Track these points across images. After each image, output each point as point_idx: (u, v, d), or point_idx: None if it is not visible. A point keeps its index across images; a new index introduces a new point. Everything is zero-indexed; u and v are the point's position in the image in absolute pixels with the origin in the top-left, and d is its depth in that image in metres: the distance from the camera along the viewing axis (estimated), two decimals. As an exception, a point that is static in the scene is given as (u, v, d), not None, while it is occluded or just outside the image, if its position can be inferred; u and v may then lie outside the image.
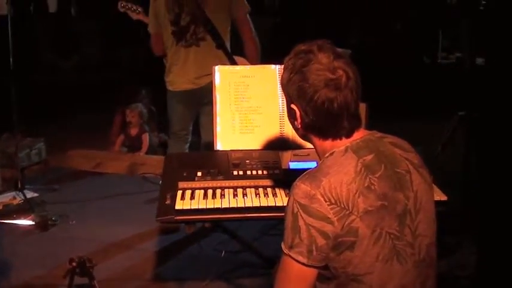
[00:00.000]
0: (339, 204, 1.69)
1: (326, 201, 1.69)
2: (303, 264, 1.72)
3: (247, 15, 4.32)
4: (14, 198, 5.16)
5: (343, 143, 1.84)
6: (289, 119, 1.96)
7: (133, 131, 6.53)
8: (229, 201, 2.51)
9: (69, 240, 4.45)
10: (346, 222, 1.69)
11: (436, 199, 2.02)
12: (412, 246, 1.79)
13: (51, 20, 11.34)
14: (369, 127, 2.77)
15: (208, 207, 2.49)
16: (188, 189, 2.60)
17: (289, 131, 2.87)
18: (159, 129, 6.69)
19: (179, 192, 2.58)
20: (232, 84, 2.99)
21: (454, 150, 4.85)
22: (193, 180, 2.65)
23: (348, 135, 1.84)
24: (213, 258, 3.99)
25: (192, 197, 2.55)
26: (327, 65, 1.79)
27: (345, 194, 1.70)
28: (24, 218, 4.77)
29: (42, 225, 4.64)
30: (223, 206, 2.49)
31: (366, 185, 1.73)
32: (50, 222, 4.69)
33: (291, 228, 1.73)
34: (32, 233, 4.62)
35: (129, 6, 4.59)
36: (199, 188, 2.61)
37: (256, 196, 2.54)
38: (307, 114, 1.82)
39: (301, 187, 1.74)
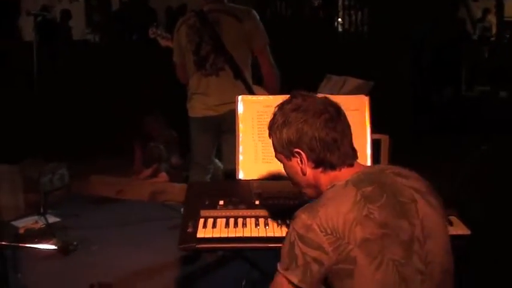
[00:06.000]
0: (334, 234, 1.74)
1: (322, 232, 1.75)
2: (294, 284, 1.79)
3: (267, 47, 4.32)
4: (36, 222, 5.19)
5: (345, 175, 1.92)
6: (290, 172, 2.06)
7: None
8: (251, 230, 2.51)
9: (90, 266, 4.47)
10: (343, 252, 1.73)
11: (458, 233, 2.01)
12: (422, 273, 1.79)
13: (75, 47, 11.50)
14: (391, 160, 2.78)
15: (229, 236, 2.49)
16: (210, 217, 2.60)
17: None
18: (181, 154, 6.76)
19: (201, 221, 2.58)
20: (255, 113, 3.00)
21: (478, 184, 4.82)
22: (215, 208, 2.65)
23: (351, 163, 1.95)
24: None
25: (214, 225, 2.55)
26: (316, 104, 1.97)
27: (341, 224, 1.75)
28: (46, 243, 4.79)
29: (63, 250, 4.67)
30: (245, 235, 2.48)
31: (364, 214, 1.76)
32: (71, 247, 4.73)
33: (288, 254, 1.81)
34: (53, 257, 4.65)
35: (159, 32, 4.67)
36: (221, 217, 2.60)
37: (278, 226, 2.53)
38: (313, 150, 1.93)
39: (300, 217, 1.80)
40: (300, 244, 1.77)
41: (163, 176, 6.57)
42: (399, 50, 8.96)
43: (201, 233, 2.49)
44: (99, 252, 4.76)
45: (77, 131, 7.68)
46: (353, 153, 1.98)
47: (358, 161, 2.00)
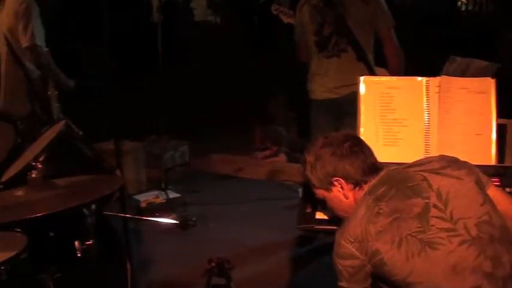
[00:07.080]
0: (357, 240, 2.05)
1: (348, 243, 2.06)
2: None
3: (391, 30, 4.21)
4: (157, 197, 5.37)
5: (367, 186, 2.21)
6: (334, 202, 2.31)
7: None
8: (370, 213, 2.48)
9: (208, 241, 4.58)
10: (368, 250, 2.03)
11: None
12: (449, 230, 2.00)
13: (197, 28, 11.71)
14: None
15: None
16: (329, 198, 2.59)
17: (435, 145, 2.81)
18: (300, 135, 6.78)
19: (320, 202, 2.58)
20: (378, 95, 2.94)
21: None
22: (335, 190, 2.64)
23: (376, 173, 2.23)
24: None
25: (333, 206, 2.53)
26: (337, 137, 2.33)
27: (359, 229, 2.06)
28: (166, 217, 4.95)
29: (182, 225, 4.81)
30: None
31: (374, 213, 2.07)
32: (190, 222, 4.85)
33: (336, 271, 2.12)
34: (173, 231, 4.80)
35: (282, 9, 4.67)
36: (340, 198, 2.59)
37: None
38: (348, 173, 2.23)
39: (335, 238, 2.13)
40: (338, 260, 2.09)
41: (282, 157, 6.62)
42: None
43: (319, 214, 2.49)
44: (217, 228, 4.86)
45: (198, 110, 7.85)
46: (379, 167, 2.27)
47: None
